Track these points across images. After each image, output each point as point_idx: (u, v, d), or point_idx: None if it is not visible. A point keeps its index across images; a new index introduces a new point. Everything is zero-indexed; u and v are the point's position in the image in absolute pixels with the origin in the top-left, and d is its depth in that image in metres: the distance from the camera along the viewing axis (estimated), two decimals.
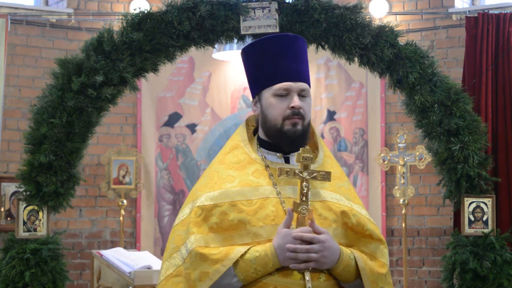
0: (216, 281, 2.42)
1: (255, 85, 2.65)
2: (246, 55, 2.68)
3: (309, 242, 2.40)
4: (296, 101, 2.54)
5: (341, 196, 2.55)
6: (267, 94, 2.59)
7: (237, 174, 2.57)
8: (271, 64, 2.59)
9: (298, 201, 2.43)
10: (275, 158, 2.58)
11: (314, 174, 2.47)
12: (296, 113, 2.54)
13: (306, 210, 2.42)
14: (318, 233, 2.42)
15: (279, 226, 2.43)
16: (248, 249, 2.43)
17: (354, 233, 2.53)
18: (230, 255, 2.42)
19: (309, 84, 2.62)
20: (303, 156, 2.46)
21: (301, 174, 2.46)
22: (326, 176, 2.49)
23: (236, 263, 2.42)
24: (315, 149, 2.68)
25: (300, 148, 2.47)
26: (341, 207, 2.52)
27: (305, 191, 2.44)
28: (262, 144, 2.64)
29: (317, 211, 2.50)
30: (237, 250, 2.43)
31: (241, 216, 2.48)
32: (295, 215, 2.43)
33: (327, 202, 2.52)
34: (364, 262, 2.47)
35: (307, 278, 2.39)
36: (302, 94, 2.57)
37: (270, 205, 2.48)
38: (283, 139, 2.56)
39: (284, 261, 2.41)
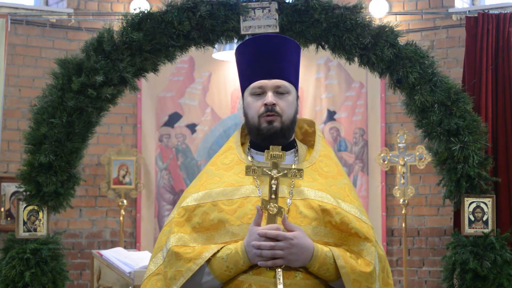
0: (192, 279, 2.45)
1: (240, 87, 2.69)
2: (235, 57, 2.72)
3: (275, 239, 2.39)
4: (268, 97, 2.55)
5: (327, 194, 2.53)
6: (246, 94, 2.63)
7: (223, 175, 2.60)
8: (249, 64, 2.62)
9: (267, 198, 2.43)
10: (263, 158, 2.57)
11: (284, 172, 2.46)
12: (270, 110, 2.54)
13: (275, 207, 2.41)
14: (290, 230, 2.42)
15: (250, 224, 2.44)
16: (222, 248, 2.45)
17: (340, 231, 2.50)
18: (203, 254, 2.44)
19: (292, 82, 2.61)
20: (271, 154, 2.46)
21: (269, 172, 2.45)
22: (298, 174, 2.47)
23: (210, 261, 2.44)
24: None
25: (270, 146, 2.47)
26: (323, 205, 2.50)
27: (274, 189, 2.42)
28: (252, 145, 2.66)
29: (298, 209, 2.50)
30: (211, 249, 2.45)
31: (221, 216, 2.50)
32: (264, 212, 2.42)
33: (309, 200, 2.51)
34: (344, 261, 2.44)
35: (278, 276, 2.39)
36: (279, 91, 2.57)
37: (249, 204, 2.50)
38: (260, 136, 2.58)
39: (253, 259, 2.41)
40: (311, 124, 2.77)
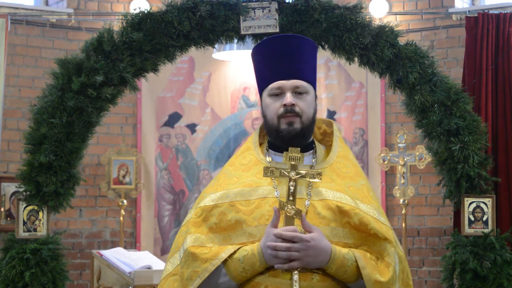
0: (208, 280, 2.44)
1: (258, 88, 2.68)
2: (251, 58, 2.71)
3: (291, 241, 2.39)
4: (287, 98, 2.54)
5: (346, 195, 2.52)
6: (265, 95, 2.61)
7: (241, 175, 2.59)
8: (267, 65, 2.61)
9: (285, 200, 2.42)
10: (281, 159, 2.56)
11: (303, 174, 2.45)
12: (290, 111, 2.53)
13: (292, 209, 2.40)
14: (308, 231, 2.41)
15: (267, 226, 2.43)
16: (238, 249, 2.44)
17: (360, 232, 2.50)
18: (220, 255, 2.44)
19: (310, 81, 2.60)
20: (290, 156, 2.45)
21: (287, 174, 2.45)
22: (316, 176, 2.46)
23: (226, 262, 2.44)
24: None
25: (289, 148, 2.47)
26: (342, 206, 2.49)
27: (292, 190, 2.42)
28: (271, 145, 2.65)
29: (316, 210, 2.49)
30: (227, 250, 2.45)
31: (238, 216, 2.50)
32: (282, 214, 2.42)
33: (327, 201, 2.50)
34: (365, 261, 2.43)
35: (294, 278, 2.38)
36: (298, 91, 2.56)
37: (267, 205, 2.49)
38: (280, 138, 2.57)
39: (269, 261, 2.41)
40: (330, 124, 2.76)
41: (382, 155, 6.89)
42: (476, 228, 4.70)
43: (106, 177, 7.03)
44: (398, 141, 6.81)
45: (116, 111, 6.40)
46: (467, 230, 4.70)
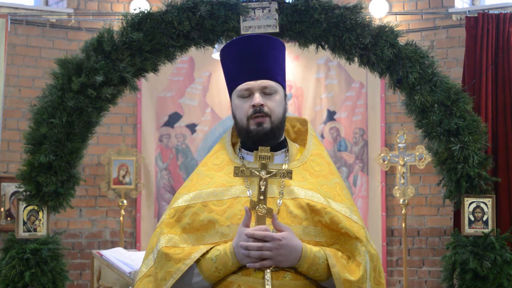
0: (182, 280, 2.44)
1: (228, 88, 2.68)
2: (220, 59, 2.71)
3: (263, 240, 2.39)
4: (256, 98, 2.54)
5: (317, 194, 2.52)
6: (234, 96, 2.62)
7: (214, 175, 2.60)
8: (235, 66, 2.61)
9: (255, 199, 2.42)
10: (253, 158, 2.57)
11: (273, 173, 2.45)
12: (258, 111, 2.53)
13: (263, 208, 2.40)
14: (279, 230, 2.41)
15: (239, 225, 2.43)
16: (211, 248, 2.45)
17: (331, 231, 2.50)
18: (192, 254, 2.44)
19: (279, 81, 2.61)
20: (260, 155, 2.45)
21: (257, 173, 2.44)
22: (287, 175, 2.46)
23: (199, 262, 2.44)
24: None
25: (259, 147, 2.47)
26: (313, 205, 2.49)
27: (262, 190, 2.42)
28: (243, 145, 2.66)
29: (288, 209, 2.49)
30: (200, 250, 2.45)
31: (210, 216, 2.50)
32: (253, 213, 2.42)
33: (299, 200, 2.50)
34: (335, 260, 2.43)
35: (266, 277, 2.39)
36: (266, 92, 2.56)
37: (239, 204, 2.49)
38: (250, 138, 2.57)
39: (241, 260, 2.41)
40: (304, 123, 2.77)
41: (382, 155, 6.89)
42: (476, 228, 4.70)
43: (106, 177, 7.04)
44: (398, 141, 6.81)
45: (116, 111, 6.40)
46: (467, 230, 4.70)
